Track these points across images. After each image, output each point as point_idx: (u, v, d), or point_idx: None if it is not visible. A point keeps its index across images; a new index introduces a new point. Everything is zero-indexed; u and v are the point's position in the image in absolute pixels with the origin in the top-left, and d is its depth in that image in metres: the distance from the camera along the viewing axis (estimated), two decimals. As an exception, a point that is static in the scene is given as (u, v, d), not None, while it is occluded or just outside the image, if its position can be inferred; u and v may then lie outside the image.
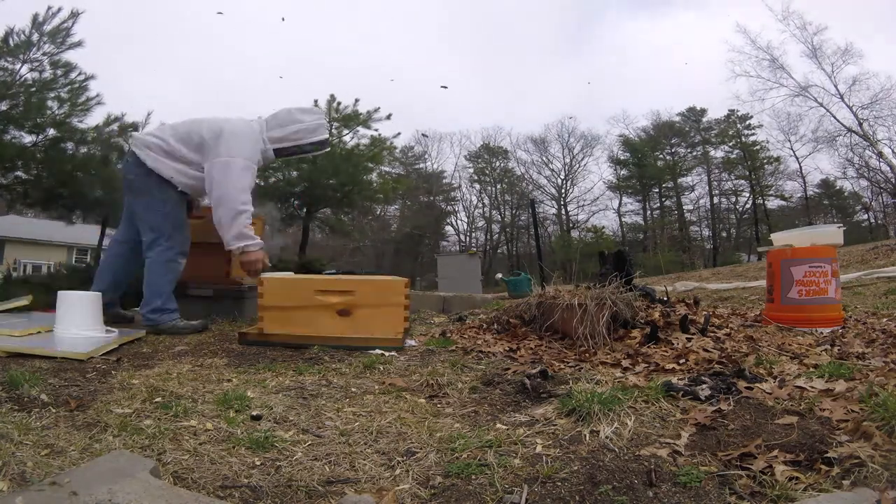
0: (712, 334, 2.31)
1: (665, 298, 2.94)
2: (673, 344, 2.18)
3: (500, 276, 12.41)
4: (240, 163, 2.72)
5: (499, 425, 1.42)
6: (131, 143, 2.88)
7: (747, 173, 31.21)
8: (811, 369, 1.77)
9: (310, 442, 1.32)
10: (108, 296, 2.77)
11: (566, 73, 47.55)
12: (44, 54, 4.76)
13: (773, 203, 31.16)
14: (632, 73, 45.62)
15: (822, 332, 2.60)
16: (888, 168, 22.57)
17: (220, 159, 2.70)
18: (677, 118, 33.48)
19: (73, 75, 4.86)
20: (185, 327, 2.76)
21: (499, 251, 34.77)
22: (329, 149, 3.47)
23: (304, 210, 6.11)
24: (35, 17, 4.69)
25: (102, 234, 5.86)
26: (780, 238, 3.13)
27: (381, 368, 2.03)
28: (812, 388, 1.51)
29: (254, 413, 1.48)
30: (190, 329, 2.76)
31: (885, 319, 2.98)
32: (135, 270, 2.98)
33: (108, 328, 2.46)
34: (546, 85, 46.41)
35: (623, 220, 34.31)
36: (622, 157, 34.28)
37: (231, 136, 2.75)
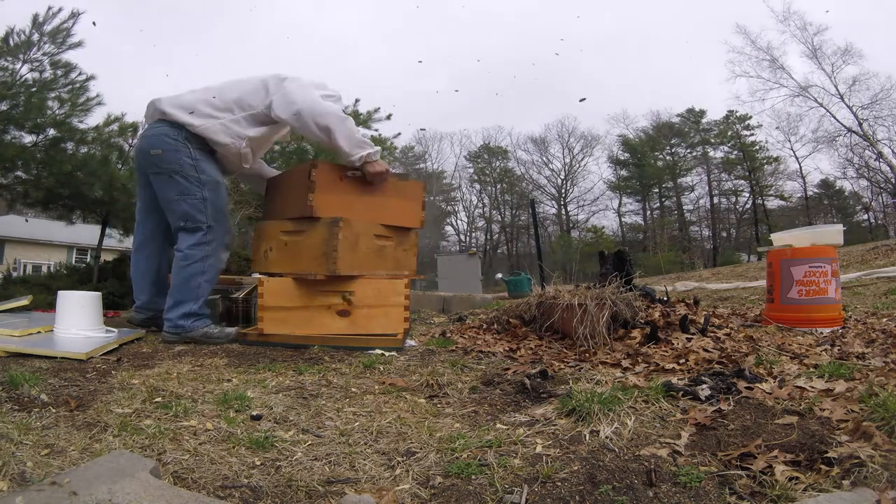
0: (712, 334, 2.31)
1: (665, 298, 2.93)
2: (673, 344, 2.18)
3: (500, 276, 12.43)
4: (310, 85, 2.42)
5: (499, 425, 1.42)
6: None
7: (747, 173, 31.24)
8: (811, 369, 1.77)
9: (310, 442, 1.32)
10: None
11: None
12: (44, 54, 4.78)
13: (773, 203, 31.25)
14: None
15: (822, 332, 2.60)
16: (888, 168, 22.61)
17: (289, 82, 2.40)
18: (677, 119, 33.56)
19: (73, 75, 4.87)
20: (220, 335, 2.39)
21: (499, 251, 34.81)
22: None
23: None
24: (35, 17, 4.70)
25: (102, 234, 5.86)
26: (780, 238, 3.13)
27: (381, 368, 2.03)
28: (812, 388, 1.51)
29: (254, 413, 1.48)
30: (225, 337, 2.39)
31: (885, 319, 2.98)
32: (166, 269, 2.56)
33: (108, 328, 2.46)
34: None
35: (623, 220, 34.41)
36: (622, 158, 34.34)
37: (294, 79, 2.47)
